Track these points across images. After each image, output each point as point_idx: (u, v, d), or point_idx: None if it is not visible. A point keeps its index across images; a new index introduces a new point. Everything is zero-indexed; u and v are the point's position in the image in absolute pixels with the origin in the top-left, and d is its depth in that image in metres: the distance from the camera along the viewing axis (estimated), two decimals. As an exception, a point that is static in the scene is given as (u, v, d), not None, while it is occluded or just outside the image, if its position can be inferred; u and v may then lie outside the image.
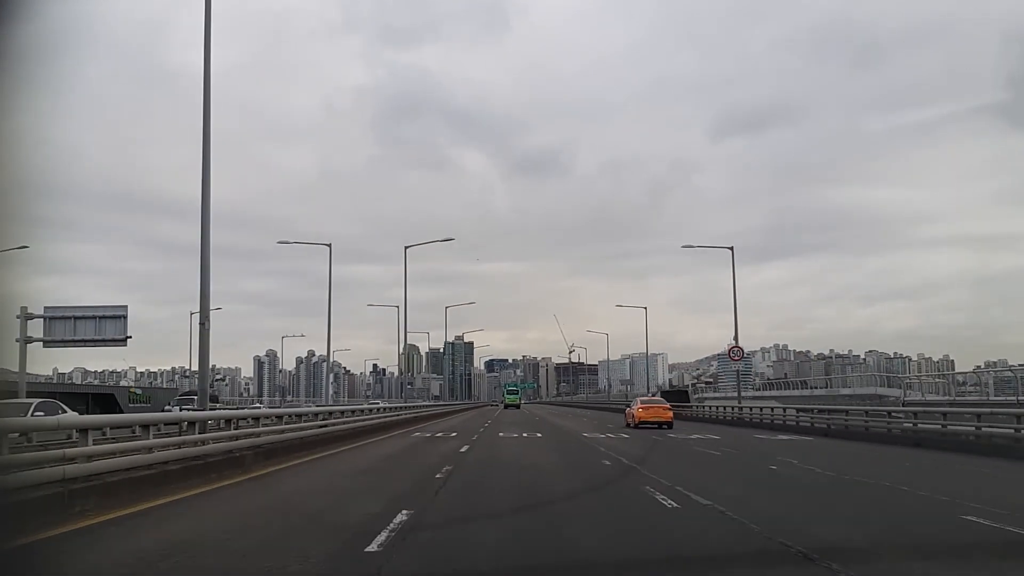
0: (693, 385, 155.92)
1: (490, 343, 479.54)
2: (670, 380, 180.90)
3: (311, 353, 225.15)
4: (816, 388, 54.97)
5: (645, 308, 73.95)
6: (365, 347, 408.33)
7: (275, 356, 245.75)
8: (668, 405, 37.63)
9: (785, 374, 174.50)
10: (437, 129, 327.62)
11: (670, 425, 34.69)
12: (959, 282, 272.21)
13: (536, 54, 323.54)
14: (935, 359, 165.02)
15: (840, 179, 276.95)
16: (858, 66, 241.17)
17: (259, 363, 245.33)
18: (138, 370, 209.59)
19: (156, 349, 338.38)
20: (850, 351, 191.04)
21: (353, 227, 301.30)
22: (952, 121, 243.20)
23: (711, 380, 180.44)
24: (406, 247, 46.73)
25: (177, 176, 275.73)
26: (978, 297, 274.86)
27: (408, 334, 63.19)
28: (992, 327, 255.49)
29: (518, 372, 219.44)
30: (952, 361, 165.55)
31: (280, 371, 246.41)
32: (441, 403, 79.48)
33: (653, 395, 53.00)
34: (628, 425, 35.42)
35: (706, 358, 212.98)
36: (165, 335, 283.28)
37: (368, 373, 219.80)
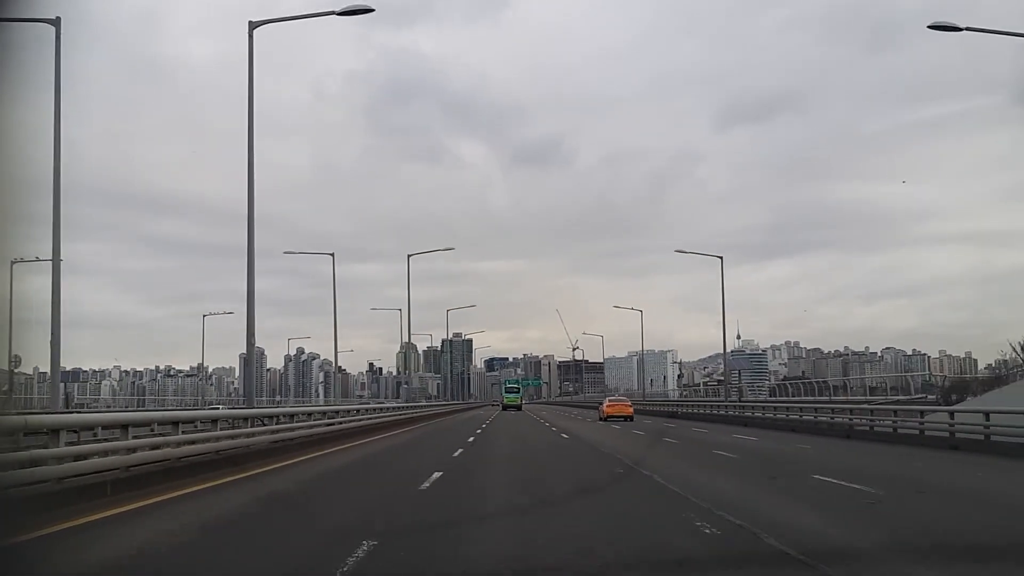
0: (704, 384, 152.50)
1: (490, 343, 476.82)
2: (679, 378, 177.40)
3: (300, 351, 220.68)
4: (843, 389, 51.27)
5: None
6: (365, 346, 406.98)
7: (262, 354, 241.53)
8: (629, 403, 46.33)
9: (803, 372, 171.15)
10: (433, 117, 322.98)
11: (631, 418, 40.86)
12: (963, 280, 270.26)
13: (535, 38, 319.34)
14: (959, 356, 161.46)
15: (845, 174, 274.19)
16: (868, 55, 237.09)
17: (244, 362, 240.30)
18: (123, 369, 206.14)
19: (153, 348, 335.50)
20: (867, 348, 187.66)
21: (349, 224, 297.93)
22: (966, 113, 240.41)
23: (722, 379, 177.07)
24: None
25: (172, 172, 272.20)
26: (982, 295, 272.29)
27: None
28: (995, 325, 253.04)
29: (519, 371, 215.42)
30: (975, 359, 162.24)
31: (268, 370, 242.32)
32: (431, 404, 74.49)
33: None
34: (600, 419, 41.00)
35: (712, 356, 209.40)
36: (164, 333, 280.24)
37: (364, 372, 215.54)
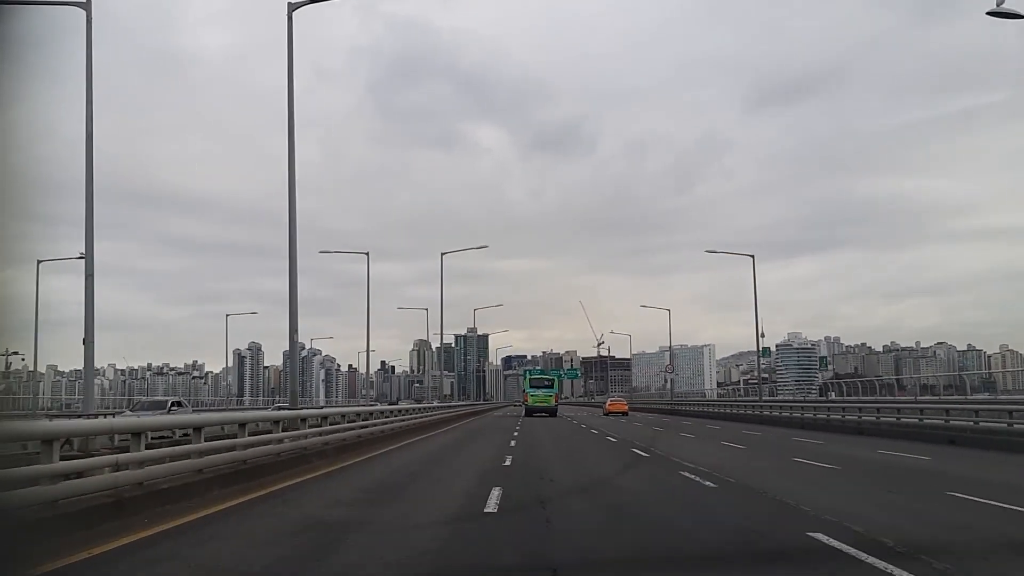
0: (744, 383, 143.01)
1: (509, 342, 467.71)
2: (717, 375, 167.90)
3: (300, 347, 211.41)
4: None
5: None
6: (379, 346, 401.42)
7: (259, 350, 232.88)
8: (625, 402, 62.63)
9: (855, 368, 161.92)
10: (446, 98, 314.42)
11: (626, 414, 53.33)
12: (989, 277, 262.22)
13: (554, 16, 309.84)
14: (1021, 352, 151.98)
15: (874, 169, 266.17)
16: (907, 32, 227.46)
17: (239, 358, 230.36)
18: (118, 367, 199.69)
19: (162, 347, 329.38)
20: (917, 343, 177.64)
21: (362, 222, 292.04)
22: (1001, 103, 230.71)
23: (766, 376, 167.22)
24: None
25: (188, 170, 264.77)
26: (1009, 293, 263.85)
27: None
28: (1021, 323, 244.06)
29: (538, 367, 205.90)
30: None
31: (266, 368, 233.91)
32: (421, 407, 58.11)
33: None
34: (604, 414, 54.30)
35: (748, 351, 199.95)
36: (180, 334, 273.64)
37: (373, 372, 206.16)
